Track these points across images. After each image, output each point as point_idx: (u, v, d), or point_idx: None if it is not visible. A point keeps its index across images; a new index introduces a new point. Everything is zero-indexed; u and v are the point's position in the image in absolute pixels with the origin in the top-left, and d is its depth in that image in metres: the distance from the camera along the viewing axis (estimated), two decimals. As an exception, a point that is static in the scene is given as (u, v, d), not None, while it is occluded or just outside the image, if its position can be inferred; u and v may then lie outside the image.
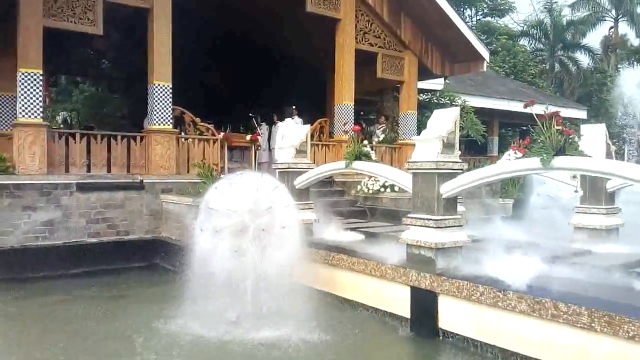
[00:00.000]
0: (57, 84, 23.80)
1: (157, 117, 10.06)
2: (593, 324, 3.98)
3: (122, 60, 18.78)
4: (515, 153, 8.10)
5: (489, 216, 9.89)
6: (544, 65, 36.55)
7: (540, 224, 8.42)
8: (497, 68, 30.91)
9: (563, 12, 38.78)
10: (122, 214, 9.30)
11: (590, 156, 4.42)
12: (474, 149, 22.08)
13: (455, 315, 5.14)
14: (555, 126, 4.38)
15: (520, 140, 10.40)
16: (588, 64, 38.26)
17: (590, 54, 38.20)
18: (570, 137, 4.39)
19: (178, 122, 10.89)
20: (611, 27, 39.37)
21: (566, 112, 25.69)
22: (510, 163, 5.24)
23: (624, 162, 5.87)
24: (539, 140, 4.47)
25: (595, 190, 6.93)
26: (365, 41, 13.08)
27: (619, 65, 42.22)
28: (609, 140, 6.96)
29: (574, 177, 5.83)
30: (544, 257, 5.48)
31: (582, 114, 26.68)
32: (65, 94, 25.55)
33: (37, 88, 8.93)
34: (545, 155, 4.36)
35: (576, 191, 6.40)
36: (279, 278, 5.57)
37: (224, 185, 5.83)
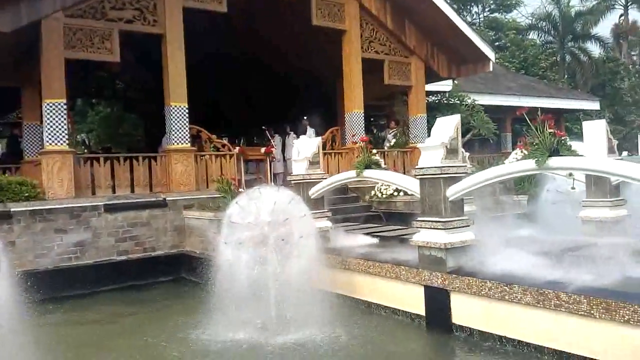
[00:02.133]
0: (74, 106, 24.55)
1: (176, 137, 10.52)
2: (592, 311, 4.27)
3: (137, 81, 19.42)
4: (522, 152, 8.35)
5: (502, 213, 10.11)
6: (554, 57, 36.46)
7: (551, 218, 8.64)
8: (507, 64, 30.97)
9: (571, 2, 38.74)
10: (147, 231, 9.75)
11: (582, 155, 4.71)
12: (488, 147, 22.23)
13: (466, 310, 5.45)
14: (548, 129, 4.68)
15: (527, 138, 10.61)
16: (600, 54, 38.09)
17: (601, 43, 38.02)
18: (563, 138, 4.68)
19: (195, 139, 11.33)
20: (621, 15, 39.17)
21: (578, 104, 25.82)
22: (508, 166, 5.54)
23: (612, 159, 6.11)
24: (533, 143, 4.77)
25: (600, 184, 7.16)
26: (372, 49, 13.44)
27: (632, 52, 41.94)
28: (609, 135, 7.18)
29: (570, 174, 6.08)
30: (549, 250, 5.76)
31: (594, 105, 26.63)
32: (80, 115, 26.30)
33: (62, 116, 9.46)
34: (539, 157, 4.67)
35: (573, 188, 6.65)
36: (299, 284, 5.91)
37: (244, 200, 6.20)
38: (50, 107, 9.41)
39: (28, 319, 5.09)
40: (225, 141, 11.84)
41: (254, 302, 6.00)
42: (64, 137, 9.47)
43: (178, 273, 9.72)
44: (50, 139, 9.38)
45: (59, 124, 9.44)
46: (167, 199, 10.03)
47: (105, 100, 23.56)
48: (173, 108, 10.51)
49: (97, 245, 9.21)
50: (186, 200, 10.21)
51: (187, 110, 10.62)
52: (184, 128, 10.60)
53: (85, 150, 20.96)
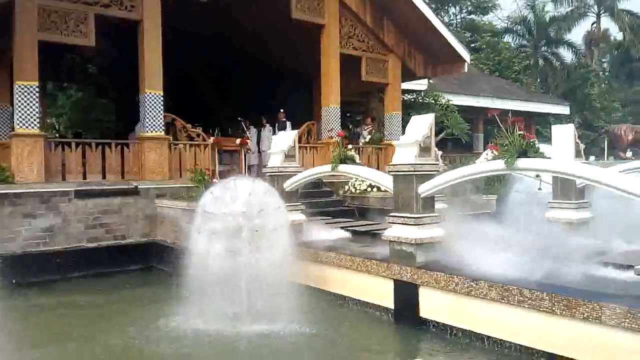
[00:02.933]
0: (44, 89, 23.96)
1: (149, 125, 10.42)
2: (554, 308, 4.44)
3: (110, 66, 19.07)
4: (492, 152, 8.54)
5: (472, 212, 10.34)
6: (528, 61, 37.17)
7: (518, 218, 8.88)
8: (481, 65, 31.44)
9: (546, 8, 39.53)
10: (118, 219, 9.66)
11: (549, 157, 4.88)
12: (460, 146, 22.60)
13: (434, 304, 5.60)
14: (517, 131, 4.84)
15: (498, 139, 10.85)
16: (572, 60, 39.05)
17: (574, 49, 38.96)
18: (531, 141, 4.85)
19: (169, 128, 11.24)
20: (593, 23, 40.12)
21: (549, 108, 26.46)
22: (478, 165, 5.70)
23: (576, 162, 6.34)
24: (503, 144, 4.92)
25: (566, 186, 7.39)
26: (350, 45, 13.52)
27: (602, 60, 43.09)
28: (577, 139, 7.41)
29: (537, 176, 6.29)
30: (514, 249, 5.94)
31: (565, 109, 27.33)
32: (51, 98, 25.68)
33: (34, 100, 9.27)
34: (509, 157, 4.83)
35: (539, 189, 6.87)
36: (272, 276, 5.97)
37: (218, 190, 6.22)
38: (22, 89, 9.21)
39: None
40: (199, 130, 11.75)
41: (226, 292, 6.03)
42: (35, 120, 9.29)
43: (148, 262, 9.65)
44: (21, 122, 9.19)
45: (31, 107, 9.25)
46: (139, 186, 9.94)
47: (77, 84, 23.05)
48: (148, 95, 10.40)
49: (66, 231, 9.08)
50: (159, 189, 10.14)
51: (162, 98, 10.53)
52: (159, 116, 10.50)
53: (57, 135, 20.52)
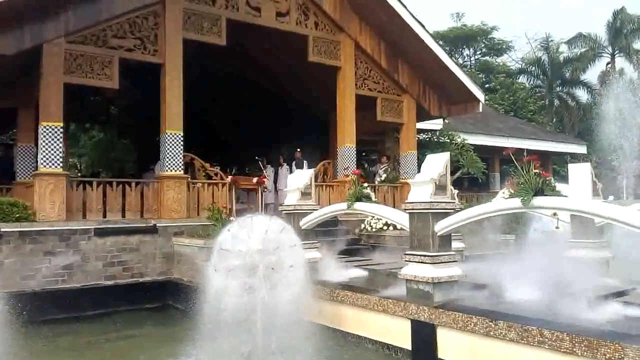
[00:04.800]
0: (67, 130, 24.57)
1: (169, 164, 10.62)
2: (574, 349, 4.35)
3: (131, 107, 19.61)
4: (509, 190, 8.53)
5: (490, 252, 10.23)
6: (543, 101, 37.38)
7: (537, 257, 8.76)
8: (496, 105, 31.67)
9: (560, 49, 39.91)
10: (136, 257, 9.74)
11: (566, 196, 4.88)
12: (477, 185, 22.51)
13: (452, 345, 5.51)
14: (533, 169, 4.86)
15: (514, 178, 10.84)
16: (587, 99, 39.13)
17: (589, 89, 39.09)
18: (547, 179, 4.86)
19: (188, 167, 11.43)
20: (608, 63, 40.36)
21: (566, 148, 26.36)
22: (495, 203, 5.71)
23: (593, 200, 6.31)
24: (519, 183, 4.94)
25: (584, 225, 7.32)
26: (365, 86, 13.77)
27: (618, 99, 43.07)
28: (595, 178, 7.39)
29: (555, 214, 6.25)
30: (534, 288, 5.86)
31: (582, 148, 27.20)
32: (73, 139, 26.30)
33: (58, 140, 9.56)
34: (525, 196, 4.84)
35: (557, 227, 6.81)
36: (287, 315, 5.93)
37: (235, 228, 6.27)
38: (47, 130, 9.51)
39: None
40: (217, 169, 11.93)
41: (241, 330, 6.01)
42: (58, 160, 9.55)
43: (165, 300, 9.68)
44: (44, 161, 9.45)
45: (54, 147, 9.52)
46: (157, 225, 10.06)
47: (99, 125, 23.68)
48: (168, 135, 10.65)
49: (85, 269, 9.18)
50: (176, 227, 10.24)
51: (182, 138, 10.76)
52: (178, 155, 10.71)
53: (78, 174, 20.94)
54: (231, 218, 9.24)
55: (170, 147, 10.64)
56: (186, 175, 11.00)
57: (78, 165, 27.35)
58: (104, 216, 10.03)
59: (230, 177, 11.93)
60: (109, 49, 10.15)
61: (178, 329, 7.77)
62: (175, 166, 10.68)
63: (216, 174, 11.76)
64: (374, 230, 11.60)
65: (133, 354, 6.68)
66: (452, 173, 16.85)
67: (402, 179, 14.68)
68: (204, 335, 6.06)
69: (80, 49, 9.88)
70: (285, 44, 13.30)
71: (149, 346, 7.13)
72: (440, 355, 5.62)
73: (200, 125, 16.47)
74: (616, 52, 39.33)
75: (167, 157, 10.62)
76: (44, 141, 9.48)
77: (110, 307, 9.02)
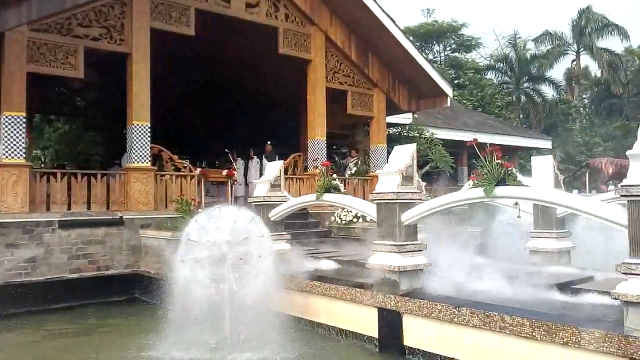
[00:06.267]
0: (31, 121, 23.92)
1: (136, 155, 10.46)
2: (534, 333, 4.49)
3: (98, 99, 19.22)
4: (474, 183, 8.70)
5: (455, 243, 10.43)
6: (510, 97, 38.11)
7: (501, 248, 9.00)
8: (465, 101, 32.13)
9: (527, 46, 40.75)
10: (102, 250, 9.58)
11: (527, 185, 5.01)
12: (444, 179, 22.82)
13: (418, 332, 5.61)
14: (496, 160, 4.98)
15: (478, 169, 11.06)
16: (553, 96, 40.08)
17: (555, 85, 40.08)
18: (509, 169, 4.99)
19: (156, 159, 11.29)
20: (573, 60, 41.39)
21: (532, 143, 26.98)
22: (459, 193, 5.82)
23: (554, 190, 6.50)
24: (482, 173, 5.05)
25: (547, 216, 7.54)
26: (336, 80, 13.80)
27: (583, 96, 44.26)
28: (557, 170, 7.60)
29: (516, 204, 6.42)
30: (497, 277, 6.02)
31: (547, 144, 27.87)
32: (37, 130, 25.59)
33: (21, 130, 9.31)
34: (487, 185, 4.95)
35: (519, 217, 7.00)
36: (256, 305, 5.95)
37: (203, 218, 6.24)
38: (9, 120, 9.25)
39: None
40: (186, 162, 11.81)
41: (209, 322, 5.99)
42: (21, 151, 9.30)
43: (132, 293, 9.55)
44: (7, 152, 9.19)
45: (17, 138, 9.27)
46: (124, 217, 9.91)
47: (64, 117, 23.10)
48: (135, 126, 10.48)
49: (49, 261, 8.98)
50: (144, 219, 10.11)
51: (149, 129, 10.61)
52: (145, 147, 10.56)
53: (42, 166, 20.42)
54: (199, 210, 9.17)
55: (137, 138, 10.48)
56: (154, 167, 10.85)
57: (42, 158, 26.62)
58: (69, 208, 9.82)
59: (199, 169, 11.83)
60: (73, 38, 9.91)
61: (145, 321, 7.67)
62: (143, 158, 10.53)
63: (185, 167, 11.64)
64: (343, 222, 11.66)
65: (100, 347, 6.58)
66: (421, 167, 17.13)
67: (372, 172, 14.78)
68: (171, 327, 6.03)
69: (44, 37, 9.63)
70: (255, 37, 13.21)
71: (117, 339, 7.04)
72: (406, 342, 5.72)
73: (169, 119, 16.28)
74: (581, 50, 40.37)
75: (134, 149, 10.46)
76: (6, 131, 9.22)
77: (76, 300, 8.86)
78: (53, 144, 25.98)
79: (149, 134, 10.60)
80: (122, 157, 11.67)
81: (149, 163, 10.68)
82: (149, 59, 10.66)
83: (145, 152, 10.57)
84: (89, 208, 10.06)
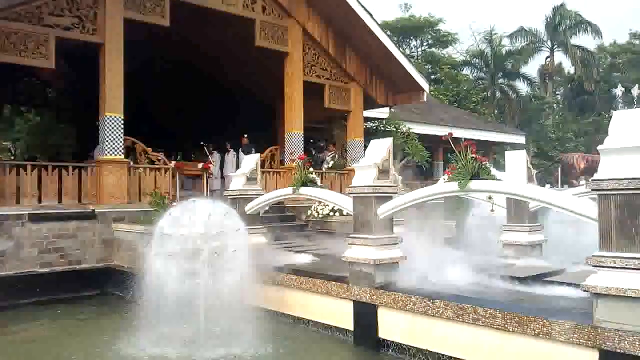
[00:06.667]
0: (1, 113, 23.35)
1: (109, 148, 10.27)
2: (506, 325, 4.56)
3: (70, 90, 18.82)
4: (449, 177, 8.77)
5: (432, 236, 10.53)
6: (485, 93, 38.52)
7: (475, 241, 9.12)
8: (441, 96, 32.40)
9: (502, 42, 41.21)
10: (74, 244, 9.40)
11: (500, 179, 5.07)
12: (421, 173, 23.02)
13: (393, 324, 5.65)
14: (470, 154, 5.02)
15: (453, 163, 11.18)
16: (527, 92, 40.69)
17: (529, 82, 40.68)
18: (483, 163, 5.03)
19: (129, 152, 11.11)
20: (547, 57, 42.04)
21: (506, 138, 27.37)
22: (433, 187, 5.86)
23: (527, 184, 6.59)
24: (457, 167, 5.09)
25: (519, 210, 7.65)
26: (313, 73, 13.76)
27: (556, 92, 45.06)
28: (529, 165, 7.71)
29: (490, 197, 6.50)
30: (471, 270, 6.09)
31: (521, 139, 28.30)
32: (7, 122, 24.97)
33: (-12, 121, 9.05)
34: (462, 179, 5.00)
35: (492, 210, 7.09)
36: (231, 299, 5.91)
37: (177, 212, 6.16)
38: (-24, 110, 8.98)
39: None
40: (161, 155, 11.65)
41: (183, 316, 5.93)
42: (-12, 142, 9.05)
43: (105, 287, 9.40)
44: (-27, 143, 8.94)
45: (-16, 128, 9.02)
46: (96, 210, 9.73)
47: (35, 108, 22.57)
48: (108, 118, 10.28)
49: (19, 256, 8.76)
50: (117, 212, 9.94)
51: (122, 121, 10.42)
52: (119, 139, 10.37)
53: (12, 158, 19.95)
54: (174, 204, 9.05)
55: (110, 130, 10.29)
56: (127, 160, 10.68)
57: (12, 150, 25.99)
58: (39, 201, 9.62)
59: (173, 162, 11.68)
60: (45, 27, 9.66)
61: (119, 316, 7.57)
62: (116, 150, 10.35)
63: (159, 159, 11.47)
64: (320, 216, 11.66)
65: (72, 343, 6.46)
66: (398, 161, 17.21)
67: (349, 165, 14.81)
68: (145, 321, 5.95)
69: (14, 26, 9.36)
70: (232, 29, 13.07)
71: (89, 334, 6.91)
72: (381, 335, 5.75)
73: (144, 112, 16.02)
74: (555, 46, 41.01)
75: (107, 141, 10.26)
76: (-28, 122, 8.96)
77: (47, 295, 8.68)
78: (24, 135, 25.39)
79: (122, 126, 10.41)
80: (95, 150, 11.45)
81: (122, 155, 10.50)
82: (123, 49, 10.45)
83: (118, 144, 10.39)
84: (60, 201, 9.87)
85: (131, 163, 10.88)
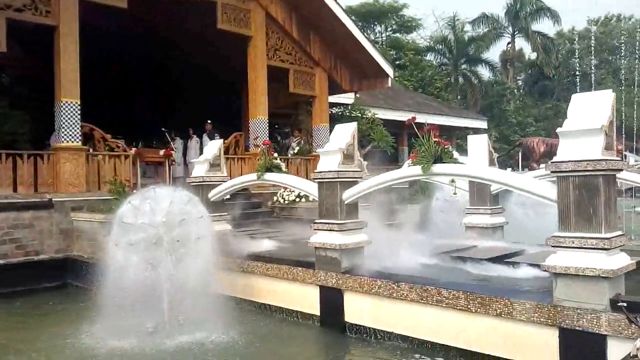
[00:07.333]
0: (-51, 99, 22.31)
1: (66, 135, 9.92)
2: (469, 306, 4.62)
3: (26, 76, 18.07)
4: (413, 162, 8.83)
5: (396, 221, 10.62)
6: (449, 78, 38.97)
7: (439, 225, 9.24)
8: (405, 82, 32.61)
9: (465, 28, 41.69)
10: (30, 234, 9.08)
11: (462, 163, 5.11)
12: (386, 159, 23.17)
13: (358, 308, 5.67)
14: (433, 138, 5.04)
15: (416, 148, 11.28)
16: (489, 77, 41.38)
17: (491, 67, 41.32)
18: (446, 147, 5.06)
19: (87, 139, 10.76)
20: (509, 43, 42.74)
21: (469, 123, 27.79)
22: (397, 171, 5.88)
23: (488, 167, 6.69)
24: (420, 151, 5.10)
25: (481, 193, 7.76)
26: (277, 58, 13.58)
27: (517, 78, 45.95)
28: (491, 149, 7.82)
29: (452, 181, 6.58)
30: (435, 253, 6.15)
31: (483, 124, 28.79)
32: (-42, 112, 23.88)
33: None
34: (425, 163, 5.02)
35: (455, 194, 7.18)
36: (195, 287, 5.81)
37: (137, 200, 6.00)
38: None
39: None
40: (121, 142, 11.33)
41: (146, 306, 5.81)
42: (-64, 129, 8.61)
43: (64, 278, 9.14)
44: None
45: None
46: (53, 199, 9.41)
47: (-13, 96, 21.64)
48: (64, 104, 9.91)
49: (-29, 248, 8.43)
50: (75, 201, 9.64)
51: (79, 107, 10.06)
52: (75, 125, 10.02)
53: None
54: (135, 192, 8.83)
55: (67, 116, 9.93)
56: (85, 147, 10.35)
57: (-36, 139, 24.86)
58: (-7, 191, 9.23)
59: (134, 149, 11.38)
60: (-6, 8, 9.22)
61: (79, 307, 7.37)
62: (73, 137, 10.00)
63: (118, 146, 11.16)
64: (286, 202, 11.60)
65: (32, 336, 6.25)
66: (363, 147, 17.25)
67: (315, 151, 14.76)
68: (107, 312, 5.82)
69: (-40, 6, 8.90)
70: (193, 11, 12.75)
71: (49, 327, 6.71)
72: (347, 319, 5.78)
73: (103, 97, 15.53)
74: (516, 32, 41.69)
75: (64, 128, 9.91)
76: None
77: (4, 287, 8.32)
78: (-24, 123, 24.33)
79: (79, 112, 10.06)
80: (51, 137, 11.06)
81: (80, 143, 10.16)
82: (78, 32, 10.06)
83: (76, 131, 10.04)
84: (15, 190, 9.50)
85: (90, 150, 10.56)
